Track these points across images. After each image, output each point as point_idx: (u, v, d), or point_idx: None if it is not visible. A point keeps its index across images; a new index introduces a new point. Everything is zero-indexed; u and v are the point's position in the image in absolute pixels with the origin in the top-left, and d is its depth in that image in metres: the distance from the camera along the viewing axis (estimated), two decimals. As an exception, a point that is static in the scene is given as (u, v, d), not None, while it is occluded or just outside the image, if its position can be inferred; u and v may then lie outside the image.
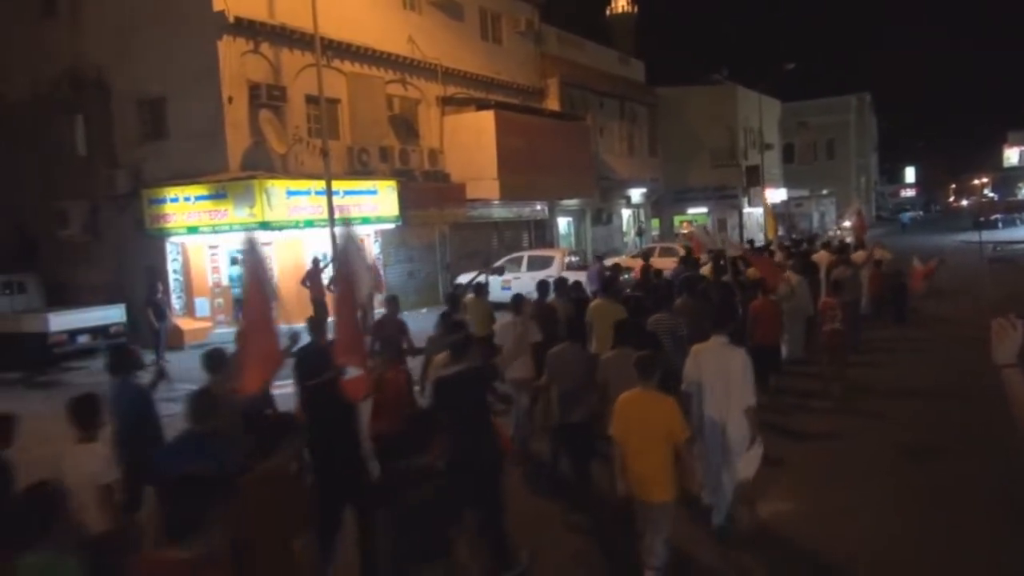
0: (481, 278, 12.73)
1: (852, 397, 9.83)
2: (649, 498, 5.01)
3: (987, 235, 29.45)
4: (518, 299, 8.50)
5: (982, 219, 35.34)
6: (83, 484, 3.63)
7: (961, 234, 38.91)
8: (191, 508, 2.90)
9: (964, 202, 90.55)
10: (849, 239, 19.74)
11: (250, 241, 5.62)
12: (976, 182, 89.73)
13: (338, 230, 19.46)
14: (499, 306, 11.29)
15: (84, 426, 4.46)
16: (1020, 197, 56.25)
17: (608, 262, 18.68)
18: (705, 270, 13.18)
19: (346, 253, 6.15)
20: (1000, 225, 46.74)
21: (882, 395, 10.21)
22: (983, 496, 6.61)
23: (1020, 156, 66.11)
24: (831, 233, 36.77)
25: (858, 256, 15.17)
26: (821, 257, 15.16)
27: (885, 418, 9.13)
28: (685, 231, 37.75)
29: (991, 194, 74.76)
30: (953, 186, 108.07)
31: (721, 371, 5.75)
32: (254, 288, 5.52)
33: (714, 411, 5.79)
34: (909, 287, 17.47)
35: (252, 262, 5.57)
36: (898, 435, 8.48)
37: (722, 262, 12.76)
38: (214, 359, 5.77)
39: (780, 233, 29.59)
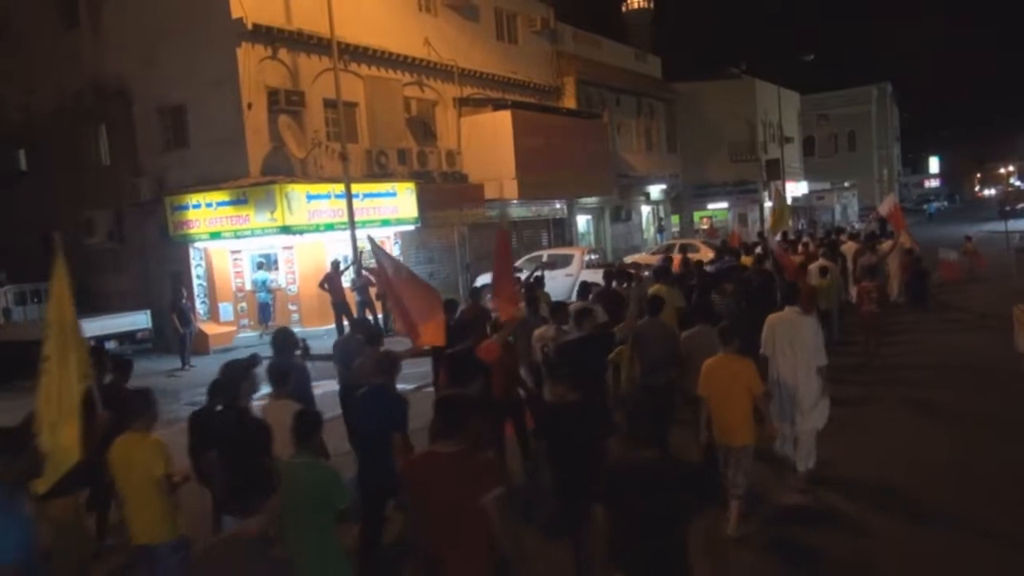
0: (538, 272, 14.47)
1: (886, 371, 10.71)
2: (733, 443, 5.89)
3: (1013, 224, 28.98)
4: (586, 287, 9.91)
5: (1008, 208, 34.63)
6: (283, 425, 4.55)
7: (987, 224, 38.30)
8: (454, 417, 3.80)
9: (989, 191, 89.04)
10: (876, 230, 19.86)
11: (371, 240, 7.20)
12: (1002, 171, 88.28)
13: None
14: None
15: (277, 385, 5.61)
16: (1047, 185, 55.20)
17: (628, 259, 18.80)
18: (746, 260, 13.96)
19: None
20: (1028, 214, 45.89)
21: (913, 370, 10.97)
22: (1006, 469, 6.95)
23: (1047, 143, 64.86)
24: (855, 226, 36.30)
25: (885, 246, 15.57)
26: (848, 247, 15.87)
27: (917, 390, 9.89)
28: (704, 227, 37.58)
29: (1017, 183, 73.46)
30: (978, 175, 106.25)
31: (793, 337, 6.56)
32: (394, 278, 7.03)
33: (786, 371, 6.57)
34: (940, 276, 17.84)
35: (380, 258, 6.98)
36: (928, 404, 9.26)
37: (759, 250, 14.27)
38: (372, 334, 7.36)
39: (802, 226, 29.39)
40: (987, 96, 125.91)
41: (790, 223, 22.45)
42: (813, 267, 12.58)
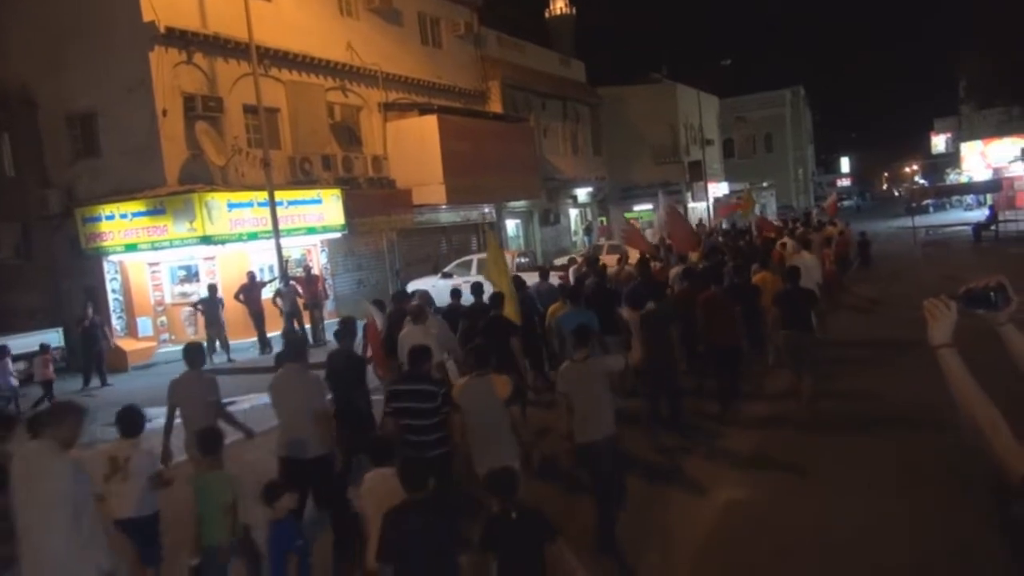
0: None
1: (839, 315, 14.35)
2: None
3: (919, 220, 30.48)
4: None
5: (914, 205, 36.48)
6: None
7: (895, 220, 40.22)
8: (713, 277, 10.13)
9: (897, 190, 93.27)
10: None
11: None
12: (907, 169, 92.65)
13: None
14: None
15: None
16: (948, 182, 58.20)
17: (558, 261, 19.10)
18: None
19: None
20: (931, 210, 48.35)
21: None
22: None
23: (947, 143, 67.85)
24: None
25: (830, 230, 19.49)
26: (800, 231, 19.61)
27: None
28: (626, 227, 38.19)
29: (921, 181, 77.18)
30: (886, 174, 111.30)
31: (805, 265, 10.92)
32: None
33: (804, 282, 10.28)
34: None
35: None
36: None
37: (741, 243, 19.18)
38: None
39: (724, 226, 30.42)
40: (892, 99, 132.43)
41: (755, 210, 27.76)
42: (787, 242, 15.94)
